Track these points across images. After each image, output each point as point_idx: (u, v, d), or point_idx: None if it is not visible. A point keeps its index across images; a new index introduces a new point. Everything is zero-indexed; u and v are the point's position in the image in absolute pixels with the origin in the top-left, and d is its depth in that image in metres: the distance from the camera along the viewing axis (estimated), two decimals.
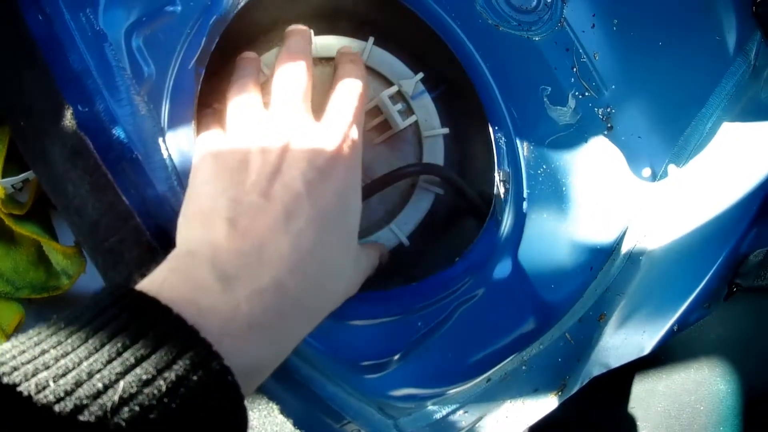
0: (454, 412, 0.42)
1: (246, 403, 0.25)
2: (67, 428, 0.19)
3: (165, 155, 0.35)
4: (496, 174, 0.43)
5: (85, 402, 0.20)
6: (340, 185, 0.33)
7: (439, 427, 0.41)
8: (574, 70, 0.44)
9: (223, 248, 0.29)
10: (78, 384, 0.20)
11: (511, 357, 0.42)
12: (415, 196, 0.45)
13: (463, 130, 0.47)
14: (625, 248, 0.45)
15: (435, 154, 0.45)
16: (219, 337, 0.25)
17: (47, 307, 0.47)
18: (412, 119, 0.43)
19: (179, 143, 0.35)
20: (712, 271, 0.40)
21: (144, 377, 0.21)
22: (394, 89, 0.43)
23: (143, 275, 0.28)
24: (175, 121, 0.35)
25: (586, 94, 0.44)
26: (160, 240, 0.34)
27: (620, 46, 0.45)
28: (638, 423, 0.40)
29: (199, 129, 0.37)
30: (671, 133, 0.46)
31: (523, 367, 0.42)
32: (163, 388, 0.21)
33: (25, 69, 0.34)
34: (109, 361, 0.21)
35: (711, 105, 0.46)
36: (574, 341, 0.43)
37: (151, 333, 0.23)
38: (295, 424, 0.35)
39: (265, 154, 0.33)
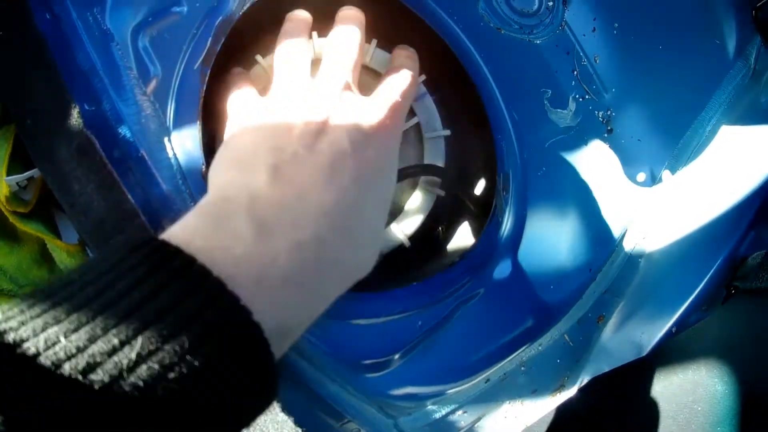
0: (453, 412, 0.42)
1: (276, 366, 0.23)
2: (78, 389, 0.18)
3: (170, 154, 0.35)
4: (496, 175, 0.43)
5: (98, 360, 0.18)
6: (382, 153, 0.33)
7: (438, 427, 0.42)
8: (575, 73, 0.44)
9: (264, 196, 0.27)
10: (92, 340, 0.18)
11: (510, 357, 0.43)
12: (416, 196, 0.45)
13: (465, 132, 0.47)
14: (624, 250, 0.45)
15: (436, 155, 0.45)
16: (252, 290, 0.23)
17: None
18: (413, 121, 0.44)
19: (185, 143, 0.36)
20: (710, 274, 0.40)
21: (165, 332, 0.19)
22: None
23: None
24: (180, 121, 0.35)
25: (587, 97, 0.45)
26: None
27: (621, 50, 0.45)
28: (636, 423, 0.40)
29: (230, 88, 0.37)
30: (671, 136, 0.46)
31: (522, 368, 0.43)
32: (186, 345, 0.19)
33: (32, 68, 0.35)
34: (127, 315, 0.19)
35: (710, 108, 0.46)
36: (572, 342, 0.43)
37: (173, 285, 0.20)
38: (296, 422, 0.36)
39: (311, 113, 0.32)
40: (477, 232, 0.44)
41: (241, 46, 0.41)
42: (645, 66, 0.46)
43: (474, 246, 0.43)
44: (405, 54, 0.41)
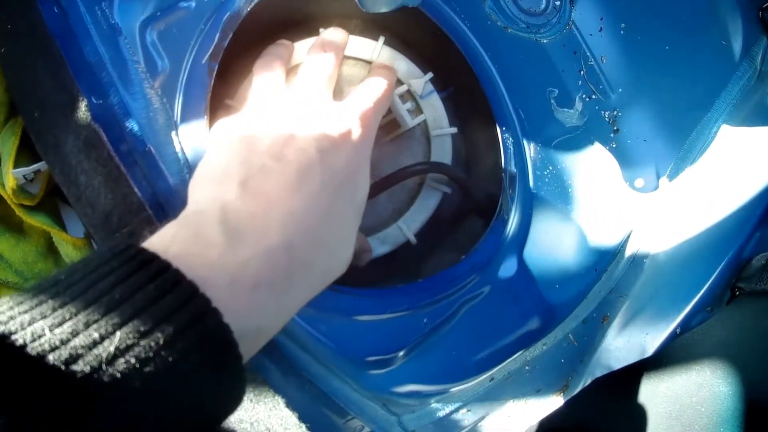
0: (457, 410, 0.42)
1: (245, 365, 0.24)
2: (60, 377, 0.19)
3: (177, 148, 0.35)
4: (502, 174, 0.43)
5: (80, 352, 0.20)
6: (352, 159, 0.34)
7: (442, 425, 0.42)
8: (582, 72, 0.44)
9: (233, 207, 0.29)
10: (74, 334, 0.20)
11: (514, 356, 0.43)
12: (422, 194, 0.45)
13: (471, 130, 0.47)
14: (629, 251, 0.45)
15: (443, 153, 0.45)
16: (225, 294, 0.25)
17: None
18: (420, 118, 0.44)
19: (192, 137, 0.36)
20: (715, 275, 0.40)
21: (141, 329, 0.21)
22: (403, 88, 0.43)
23: None
24: (188, 115, 0.36)
25: (593, 96, 0.45)
26: None
27: (627, 50, 0.45)
28: (640, 424, 0.40)
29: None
30: (677, 136, 0.46)
31: (526, 367, 0.43)
32: (161, 341, 0.21)
33: (39, 61, 0.35)
34: (107, 312, 0.21)
35: (717, 109, 0.46)
36: (577, 342, 0.43)
37: (151, 286, 0.22)
38: (300, 418, 0.36)
39: (280, 123, 0.33)
40: (483, 230, 0.44)
41: (249, 42, 0.41)
42: (652, 66, 0.46)
43: (479, 244, 0.43)
44: (382, 65, 0.42)
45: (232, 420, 0.33)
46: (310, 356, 0.39)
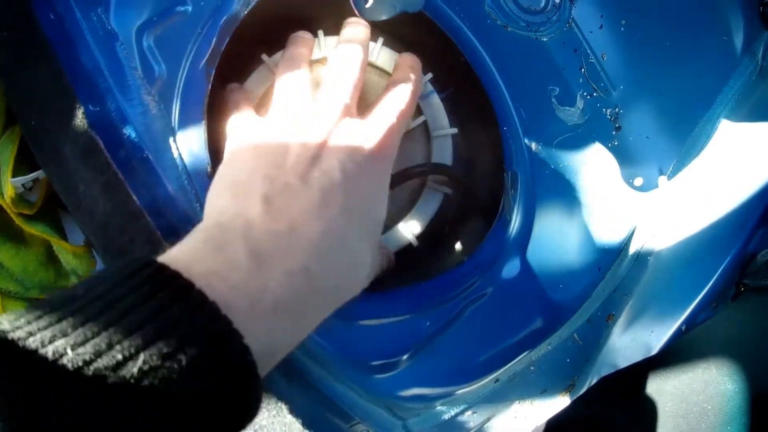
0: (462, 412, 0.42)
1: (261, 384, 0.25)
2: (84, 398, 0.19)
3: (176, 154, 0.35)
4: (504, 174, 0.43)
5: (104, 373, 0.19)
6: (374, 182, 0.34)
7: (447, 428, 0.41)
8: (582, 70, 0.44)
9: (257, 225, 0.29)
10: (98, 354, 0.20)
11: (519, 357, 0.42)
12: (424, 196, 0.45)
13: (472, 131, 0.47)
14: (633, 248, 0.45)
15: (444, 154, 0.45)
16: (245, 315, 0.25)
17: None
18: (421, 119, 0.44)
19: (190, 143, 0.35)
20: (719, 271, 0.40)
21: (165, 350, 0.21)
22: None
23: None
24: (185, 121, 0.35)
25: (594, 94, 0.44)
26: (171, 238, 0.34)
27: (628, 47, 0.45)
28: (646, 422, 0.40)
29: (229, 108, 0.38)
30: (679, 133, 0.46)
31: (532, 368, 0.43)
32: (183, 362, 0.21)
33: (36, 68, 0.35)
34: (130, 333, 0.21)
35: (718, 105, 0.46)
36: (582, 341, 0.43)
37: (174, 307, 0.22)
38: (303, 424, 0.36)
39: (306, 140, 0.33)
40: (485, 231, 0.44)
41: (247, 46, 0.40)
42: (652, 63, 0.45)
43: (482, 245, 0.43)
44: (408, 63, 0.41)
45: None
46: (313, 361, 0.38)
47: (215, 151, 0.37)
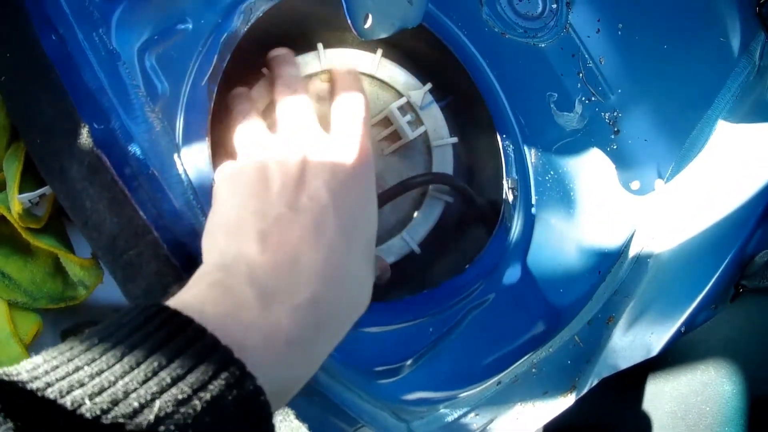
0: (465, 414, 0.42)
1: (274, 423, 0.25)
2: None
3: (181, 170, 0.35)
4: (504, 181, 0.43)
5: (121, 421, 0.20)
6: (361, 194, 0.34)
7: (451, 430, 0.42)
8: (580, 75, 0.44)
9: (259, 265, 0.29)
10: (114, 403, 0.20)
11: (521, 360, 0.43)
12: (425, 204, 0.45)
13: (472, 139, 0.47)
14: (632, 251, 0.45)
15: (444, 163, 0.45)
16: (260, 354, 0.25)
17: (64, 317, 0.48)
18: (421, 129, 0.44)
19: (194, 159, 0.36)
20: (718, 273, 0.41)
21: (180, 397, 0.21)
22: (403, 100, 0.43)
23: (165, 287, 0.28)
24: (189, 137, 0.36)
25: (593, 98, 0.45)
26: (178, 253, 0.34)
27: (625, 50, 0.45)
28: (645, 423, 0.40)
29: (235, 118, 0.38)
30: (678, 135, 0.46)
31: (533, 370, 0.43)
32: (198, 408, 0.21)
33: (40, 89, 0.35)
34: (146, 381, 0.21)
35: (717, 106, 0.46)
36: (583, 344, 0.43)
37: (188, 352, 0.23)
38: (310, 429, 0.36)
39: (284, 167, 0.33)
40: (486, 237, 0.44)
41: (248, 61, 0.41)
42: (650, 65, 0.45)
43: (483, 252, 0.43)
44: (344, 70, 0.41)
45: None
46: (319, 369, 0.39)
47: None
